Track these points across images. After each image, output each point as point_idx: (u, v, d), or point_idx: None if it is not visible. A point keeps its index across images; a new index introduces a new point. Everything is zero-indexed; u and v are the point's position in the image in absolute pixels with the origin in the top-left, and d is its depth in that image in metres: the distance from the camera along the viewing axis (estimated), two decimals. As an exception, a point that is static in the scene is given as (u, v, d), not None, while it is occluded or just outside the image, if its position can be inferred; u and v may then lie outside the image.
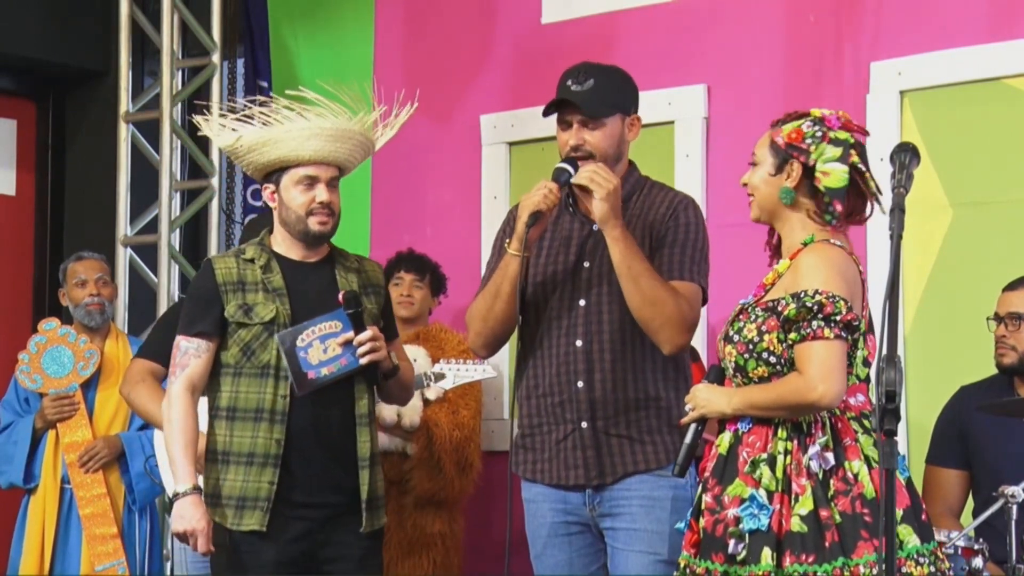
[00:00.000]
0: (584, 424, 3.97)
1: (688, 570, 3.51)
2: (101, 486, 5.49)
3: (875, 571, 3.32)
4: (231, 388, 4.09)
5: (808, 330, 3.41)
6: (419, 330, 5.51)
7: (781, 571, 3.34)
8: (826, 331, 3.39)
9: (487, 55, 6.06)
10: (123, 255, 6.58)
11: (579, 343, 3.98)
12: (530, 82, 5.82)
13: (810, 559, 3.33)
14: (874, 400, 3.11)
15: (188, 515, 4.01)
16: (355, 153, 4.18)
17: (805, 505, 3.37)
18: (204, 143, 6.21)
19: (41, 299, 6.93)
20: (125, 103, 6.63)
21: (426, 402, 5.31)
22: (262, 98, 4.18)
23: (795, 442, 3.44)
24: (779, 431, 3.45)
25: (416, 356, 5.26)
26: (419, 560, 5.29)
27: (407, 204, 6.21)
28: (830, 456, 3.40)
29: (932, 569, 3.42)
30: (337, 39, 6.46)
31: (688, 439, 3.58)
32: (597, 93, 3.96)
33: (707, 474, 3.53)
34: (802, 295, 3.42)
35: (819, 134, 3.52)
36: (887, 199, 3.26)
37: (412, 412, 5.25)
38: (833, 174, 3.50)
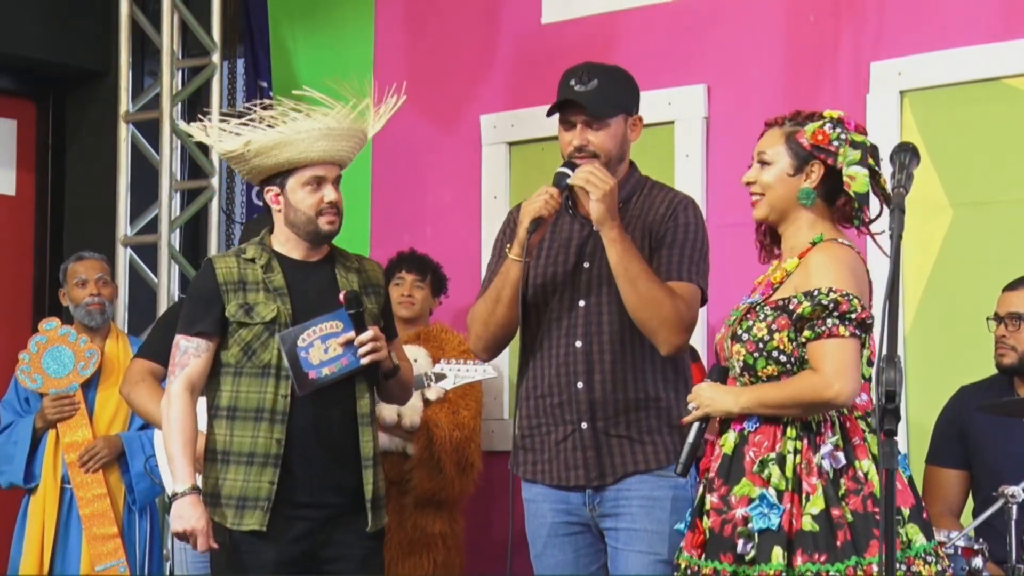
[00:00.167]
0: (584, 425, 3.97)
1: (689, 571, 3.49)
2: (101, 486, 5.49)
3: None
4: (231, 388, 4.09)
5: (823, 328, 3.41)
6: (420, 330, 5.51)
7: (792, 570, 3.34)
8: (841, 329, 3.39)
9: (487, 55, 6.06)
10: (123, 255, 6.58)
11: (579, 344, 3.98)
12: (530, 82, 5.82)
13: (822, 558, 3.33)
14: (874, 400, 3.12)
15: (187, 515, 4.01)
16: (355, 149, 4.20)
17: (816, 504, 3.36)
18: (204, 143, 6.21)
19: (41, 299, 6.93)
20: (125, 103, 6.63)
21: (426, 402, 5.31)
22: (265, 101, 4.18)
23: (805, 441, 3.43)
24: (788, 430, 3.45)
25: (417, 356, 5.26)
26: (419, 560, 5.29)
27: (407, 204, 6.21)
28: (840, 455, 3.40)
29: (940, 568, 3.43)
30: (337, 39, 6.46)
31: (691, 438, 3.57)
32: (601, 93, 3.96)
33: (711, 474, 3.52)
34: (816, 293, 3.42)
35: (843, 136, 3.53)
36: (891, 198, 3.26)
37: (412, 412, 5.25)
38: (858, 178, 3.50)
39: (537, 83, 5.60)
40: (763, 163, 3.59)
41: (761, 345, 3.47)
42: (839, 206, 3.57)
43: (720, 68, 5.52)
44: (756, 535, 3.37)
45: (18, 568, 5.54)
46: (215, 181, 6.56)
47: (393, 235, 6.14)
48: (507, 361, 5.57)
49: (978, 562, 4.21)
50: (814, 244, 3.52)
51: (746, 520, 3.39)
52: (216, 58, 6.58)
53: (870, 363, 3.49)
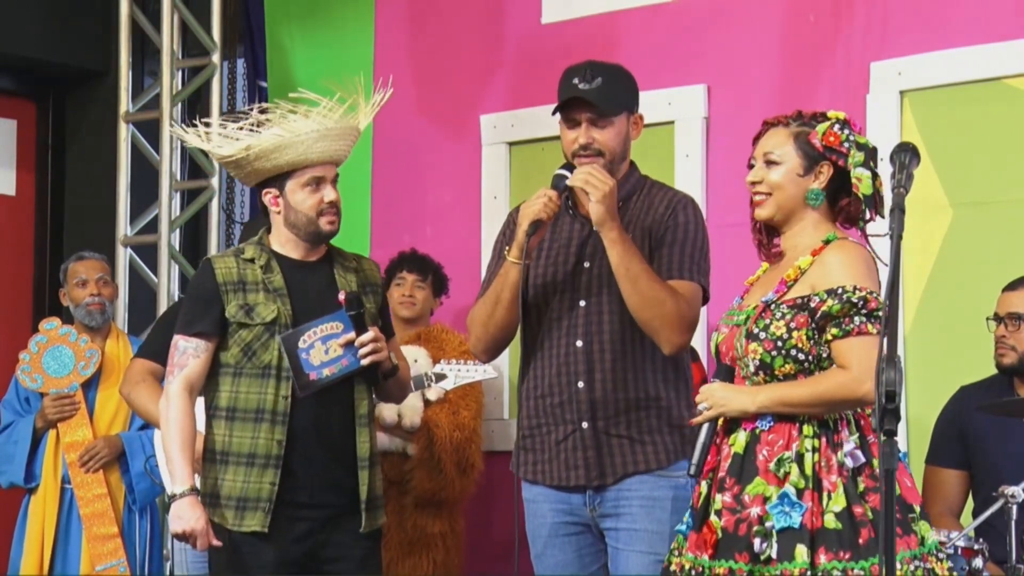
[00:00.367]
0: (584, 424, 3.97)
1: (694, 572, 3.48)
2: (101, 486, 5.49)
3: (912, 567, 3.35)
4: (231, 388, 4.09)
5: (851, 326, 3.41)
6: (420, 330, 5.51)
7: (816, 568, 3.33)
8: (869, 327, 3.39)
9: (487, 55, 6.06)
10: (123, 255, 6.58)
11: (579, 343, 3.98)
12: (530, 82, 5.82)
13: (847, 556, 3.32)
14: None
15: (186, 516, 4.00)
16: (351, 146, 4.20)
17: (838, 502, 3.36)
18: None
19: (41, 299, 6.94)
20: (125, 103, 6.63)
21: (427, 403, 5.31)
22: (262, 104, 4.18)
23: (823, 439, 3.43)
24: (804, 428, 3.44)
25: (417, 357, 5.26)
26: (419, 560, 5.29)
27: (407, 204, 6.21)
28: (860, 453, 3.40)
29: (950, 564, 3.43)
30: (337, 39, 6.46)
31: (703, 439, 3.53)
32: (606, 91, 3.96)
33: (722, 473, 3.50)
34: (841, 291, 3.42)
35: (851, 138, 3.53)
36: (887, 199, 3.26)
37: (413, 413, 5.25)
38: (864, 180, 3.52)
39: (537, 83, 5.60)
40: (770, 163, 3.58)
41: (780, 343, 3.46)
42: (842, 207, 3.58)
43: (720, 68, 5.52)
44: (775, 534, 3.37)
45: (18, 568, 5.55)
46: (215, 181, 6.56)
47: (393, 235, 6.13)
48: (507, 361, 5.57)
49: (978, 562, 4.21)
50: (827, 242, 3.53)
51: (761, 519, 3.39)
52: (216, 58, 6.59)
53: None
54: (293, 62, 6.57)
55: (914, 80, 5.12)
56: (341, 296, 4.11)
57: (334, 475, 4.08)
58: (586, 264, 4.02)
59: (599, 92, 3.95)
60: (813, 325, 3.45)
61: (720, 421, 3.54)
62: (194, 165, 6.70)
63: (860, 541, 3.33)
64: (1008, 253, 4.92)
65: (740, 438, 3.50)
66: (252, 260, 4.15)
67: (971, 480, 4.77)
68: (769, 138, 3.61)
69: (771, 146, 3.59)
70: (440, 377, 5.09)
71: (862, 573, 3.31)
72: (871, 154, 3.55)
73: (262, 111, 4.11)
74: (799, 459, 3.42)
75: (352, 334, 4.07)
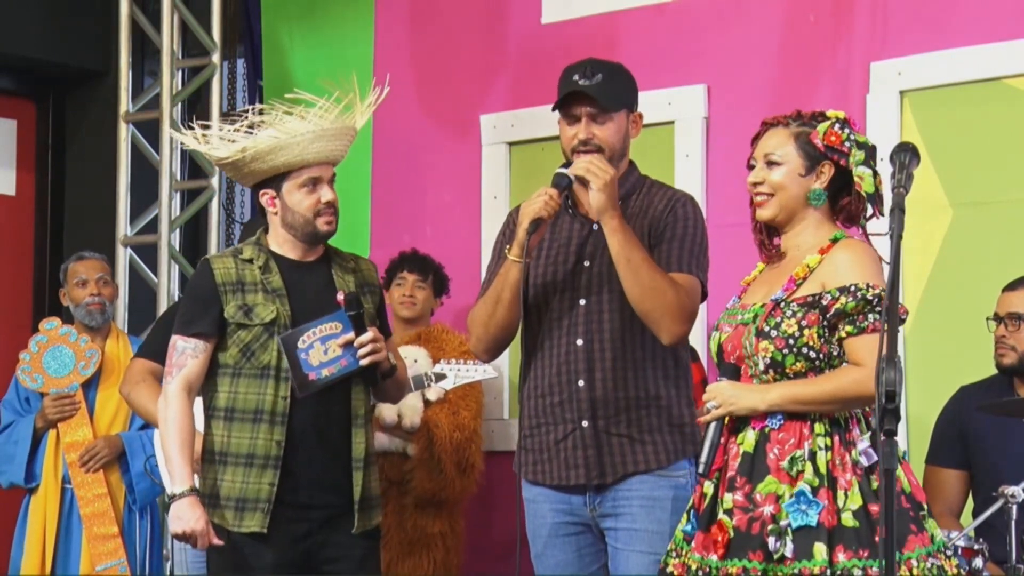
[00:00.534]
0: (585, 423, 3.97)
1: (701, 572, 3.47)
2: (102, 486, 5.49)
3: (927, 564, 3.35)
4: (229, 388, 4.09)
5: (866, 323, 3.41)
6: (421, 331, 5.50)
7: (834, 567, 3.33)
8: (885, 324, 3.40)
9: (487, 55, 6.06)
10: (123, 255, 6.59)
11: (580, 342, 3.98)
12: (530, 82, 5.82)
13: (865, 554, 3.32)
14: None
15: (186, 516, 4.00)
16: (348, 146, 4.20)
17: (854, 500, 3.36)
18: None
19: (41, 299, 6.94)
20: (125, 103, 6.64)
21: (427, 403, 5.31)
22: (259, 106, 4.18)
23: (835, 437, 3.43)
24: (816, 426, 3.44)
25: (417, 357, 5.26)
26: (419, 560, 5.29)
27: (407, 204, 6.20)
28: (873, 452, 3.40)
29: (958, 561, 3.44)
30: (337, 39, 6.46)
31: (712, 438, 3.52)
32: (606, 87, 3.96)
33: (731, 473, 3.49)
34: (854, 288, 3.42)
35: (852, 137, 3.54)
36: (887, 199, 3.27)
37: (413, 413, 5.25)
38: (866, 179, 3.52)
39: (537, 83, 5.60)
40: (771, 163, 3.59)
41: (791, 341, 3.46)
42: (843, 206, 3.58)
43: (720, 68, 5.52)
44: (791, 532, 3.36)
45: (19, 568, 5.55)
46: (215, 181, 6.56)
47: (393, 235, 6.13)
48: (507, 361, 5.57)
49: (978, 562, 4.21)
50: (834, 241, 3.53)
51: (775, 517, 3.39)
52: (216, 58, 6.59)
53: None
54: (293, 62, 6.57)
55: (914, 80, 5.12)
56: (339, 296, 4.11)
57: (333, 475, 4.08)
58: (586, 263, 4.02)
59: (599, 87, 3.96)
60: (824, 323, 3.45)
61: (725, 420, 3.54)
62: (194, 165, 6.70)
63: (877, 539, 3.32)
64: (1008, 253, 4.92)
65: (749, 437, 3.50)
66: (250, 260, 4.15)
67: (971, 480, 4.77)
68: (769, 138, 3.61)
69: (772, 147, 3.59)
70: (440, 377, 5.09)
71: (880, 571, 3.31)
72: (871, 153, 3.56)
73: (258, 112, 4.10)
74: (812, 457, 3.42)
75: (351, 334, 4.07)
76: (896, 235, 3.06)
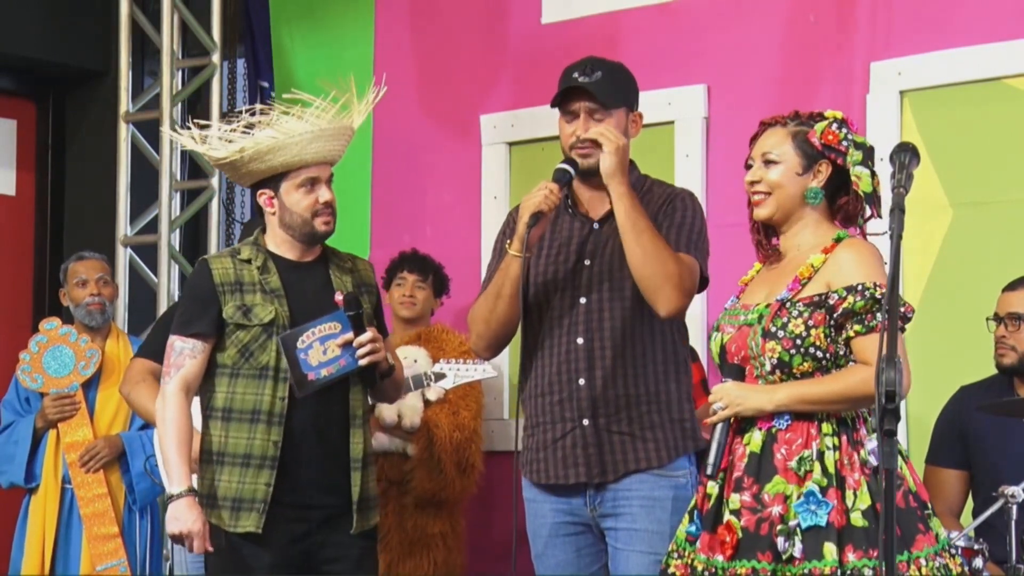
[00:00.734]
0: (585, 421, 3.97)
1: (707, 573, 3.46)
2: (102, 486, 5.49)
3: (936, 563, 3.35)
4: (227, 389, 4.08)
5: (874, 322, 3.41)
6: (421, 331, 5.50)
7: (844, 566, 3.33)
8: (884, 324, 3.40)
9: (487, 55, 6.06)
10: (123, 255, 6.59)
11: (580, 340, 3.98)
12: (530, 82, 5.83)
13: (875, 553, 3.31)
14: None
15: (183, 517, 4.00)
16: (346, 146, 4.20)
17: (863, 500, 3.36)
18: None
19: (41, 299, 6.94)
20: (125, 103, 6.64)
21: (427, 403, 5.31)
22: (259, 106, 4.18)
23: (843, 437, 3.43)
24: (824, 427, 3.44)
25: (417, 357, 5.26)
26: (419, 560, 5.29)
27: (407, 204, 6.21)
28: None
29: (961, 560, 3.44)
30: (337, 39, 6.46)
31: (719, 439, 3.51)
32: (605, 84, 3.97)
33: (738, 473, 3.49)
34: (861, 287, 3.42)
35: (850, 137, 3.54)
36: (887, 199, 3.27)
37: (412, 413, 5.25)
38: (863, 178, 3.52)
39: (537, 83, 5.60)
40: (769, 162, 3.59)
41: (799, 342, 3.46)
42: (840, 205, 3.58)
43: (720, 68, 5.52)
44: (800, 532, 3.36)
45: (19, 568, 5.55)
46: (215, 181, 6.56)
47: (393, 235, 6.14)
48: (507, 361, 5.57)
49: (978, 562, 4.21)
50: (837, 240, 3.53)
51: (783, 517, 3.38)
52: (216, 58, 6.59)
53: None
54: (293, 62, 6.57)
55: (914, 80, 5.12)
56: (338, 297, 4.11)
57: (331, 476, 4.08)
58: (586, 262, 4.02)
59: (599, 84, 3.96)
60: (831, 322, 3.45)
61: (731, 420, 3.54)
62: (194, 165, 6.70)
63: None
64: (1008, 253, 4.92)
65: (756, 437, 3.49)
66: (248, 261, 4.15)
67: (971, 480, 4.77)
68: (767, 138, 3.62)
69: (769, 146, 3.60)
70: (439, 376, 5.09)
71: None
72: (868, 153, 3.56)
73: (255, 112, 4.10)
74: (820, 457, 3.42)
75: (350, 334, 4.07)
76: (896, 235, 3.06)
